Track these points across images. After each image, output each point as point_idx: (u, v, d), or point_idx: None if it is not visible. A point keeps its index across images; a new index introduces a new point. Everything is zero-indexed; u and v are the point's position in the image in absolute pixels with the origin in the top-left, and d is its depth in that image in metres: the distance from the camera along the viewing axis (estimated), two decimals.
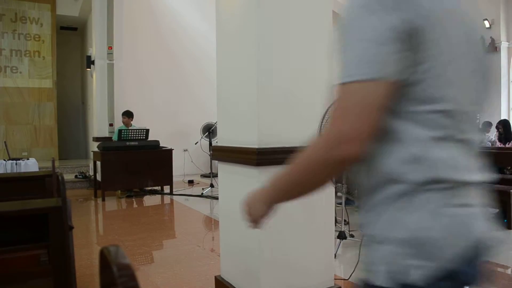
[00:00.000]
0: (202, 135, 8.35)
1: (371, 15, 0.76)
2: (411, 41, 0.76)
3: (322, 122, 2.33)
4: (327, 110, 2.29)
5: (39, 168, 6.27)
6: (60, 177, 2.18)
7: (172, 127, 9.93)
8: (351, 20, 0.79)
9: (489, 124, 8.01)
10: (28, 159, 6.40)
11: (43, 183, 3.07)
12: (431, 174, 0.80)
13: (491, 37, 9.59)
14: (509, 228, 4.76)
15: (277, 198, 1.01)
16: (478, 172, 0.89)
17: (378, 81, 0.76)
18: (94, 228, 5.52)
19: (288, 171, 0.94)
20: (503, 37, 9.59)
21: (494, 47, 9.59)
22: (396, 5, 0.75)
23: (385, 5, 0.75)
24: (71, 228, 2.40)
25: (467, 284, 0.84)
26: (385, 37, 0.75)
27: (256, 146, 2.37)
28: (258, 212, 1.06)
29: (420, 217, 0.80)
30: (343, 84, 0.78)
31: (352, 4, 0.80)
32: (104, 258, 0.70)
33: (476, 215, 0.86)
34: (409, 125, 0.81)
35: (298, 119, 2.51)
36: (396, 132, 0.81)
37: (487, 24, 9.61)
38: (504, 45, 9.60)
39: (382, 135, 0.81)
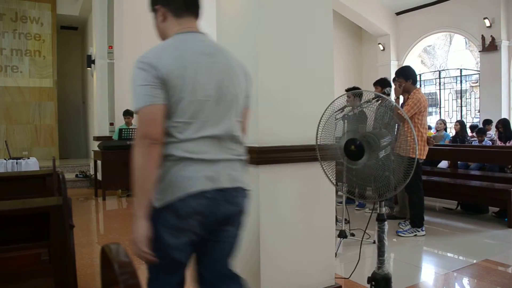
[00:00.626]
0: None
1: (142, 71, 1.44)
2: (164, 85, 1.44)
3: (320, 123, 2.33)
4: (325, 111, 2.29)
5: (40, 167, 6.28)
6: (60, 176, 2.18)
7: None
8: (134, 75, 1.46)
9: (489, 122, 8.00)
10: (28, 158, 6.40)
11: (43, 182, 3.07)
12: (180, 154, 1.47)
13: (491, 36, 9.58)
14: (509, 226, 4.76)
15: (141, 201, 1.45)
16: (218, 153, 1.53)
17: (153, 105, 1.42)
18: (94, 227, 5.52)
19: (133, 179, 1.43)
20: (503, 35, 9.58)
21: (494, 46, 9.58)
22: (151, 68, 1.43)
23: (147, 67, 1.43)
24: (72, 227, 2.40)
25: (184, 214, 1.46)
26: (150, 82, 1.43)
27: (257, 145, 2.37)
28: (142, 226, 1.44)
29: (167, 175, 1.47)
30: (138, 109, 1.44)
31: (135, 66, 1.46)
32: (105, 256, 0.70)
33: (197, 177, 1.47)
34: (175, 128, 1.47)
35: (298, 118, 2.51)
36: (172, 132, 1.47)
37: (487, 22, 9.60)
38: (504, 44, 9.59)
39: (166, 133, 1.47)
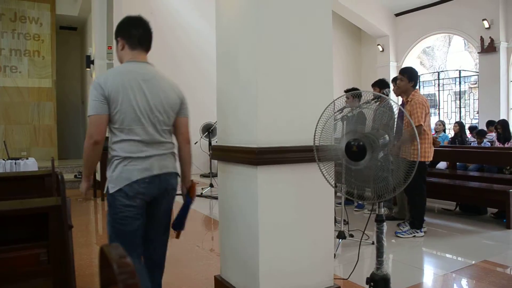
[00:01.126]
0: (201, 135, 8.34)
1: (94, 90, 2.01)
2: (107, 101, 2.01)
3: (318, 124, 2.33)
4: (323, 112, 2.29)
5: (39, 168, 6.27)
6: (59, 177, 2.18)
7: None
8: (90, 91, 2.04)
9: (492, 123, 8.00)
10: (27, 158, 6.40)
11: (42, 183, 3.07)
12: (123, 154, 2.05)
13: (490, 37, 9.60)
14: (508, 227, 4.77)
15: (87, 175, 2.16)
16: (151, 151, 2.11)
17: (99, 115, 2.01)
18: (93, 227, 5.51)
19: (84, 161, 2.09)
20: (502, 37, 9.60)
21: (493, 47, 9.59)
22: (100, 88, 2.00)
23: (98, 87, 2.01)
24: (71, 227, 2.40)
25: (132, 195, 2.05)
26: (99, 98, 2.00)
27: (255, 146, 2.37)
28: (84, 186, 2.17)
29: (116, 170, 2.05)
30: (89, 116, 2.03)
31: (92, 84, 2.05)
32: (104, 256, 0.70)
33: (136, 169, 2.06)
34: (114, 131, 2.07)
35: (296, 119, 2.52)
36: (114, 135, 2.08)
37: (486, 24, 9.62)
38: (503, 45, 9.61)
39: (111, 135, 2.09)
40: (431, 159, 4.48)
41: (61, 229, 1.87)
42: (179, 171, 2.36)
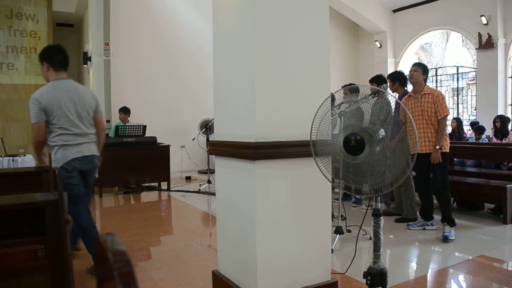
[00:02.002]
0: (199, 131, 8.35)
1: (33, 104, 3.01)
2: (44, 111, 3.02)
3: (314, 119, 2.33)
4: (320, 106, 2.29)
5: (36, 164, 6.24)
6: (56, 171, 2.18)
7: (170, 124, 9.92)
8: (30, 105, 3.02)
9: (481, 130, 8.00)
10: (24, 155, 6.37)
11: (40, 179, 3.06)
12: (61, 143, 3.09)
13: (488, 33, 9.60)
14: (505, 223, 4.79)
15: (39, 155, 3.22)
16: (82, 140, 3.17)
17: (39, 122, 3.03)
18: None
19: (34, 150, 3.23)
20: (500, 33, 9.60)
21: (491, 43, 9.60)
22: (38, 102, 3.00)
23: (35, 102, 3.00)
24: (68, 221, 2.39)
25: (71, 169, 3.10)
26: (37, 110, 3.00)
27: (253, 140, 2.37)
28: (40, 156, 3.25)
29: (58, 153, 3.10)
30: (32, 124, 3.04)
31: (31, 99, 3.04)
32: (100, 246, 0.70)
33: (73, 152, 3.10)
34: (56, 129, 3.08)
35: (294, 114, 2.51)
36: (54, 131, 3.08)
37: (484, 20, 9.62)
38: (501, 41, 9.62)
39: (52, 132, 3.11)
40: (448, 150, 4.43)
41: (58, 223, 1.86)
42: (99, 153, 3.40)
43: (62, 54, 3.18)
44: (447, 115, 4.34)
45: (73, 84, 3.22)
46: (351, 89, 2.50)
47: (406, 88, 5.14)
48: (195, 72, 10.27)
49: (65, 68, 3.19)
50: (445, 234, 4.18)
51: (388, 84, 5.17)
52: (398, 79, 5.09)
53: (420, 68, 4.49)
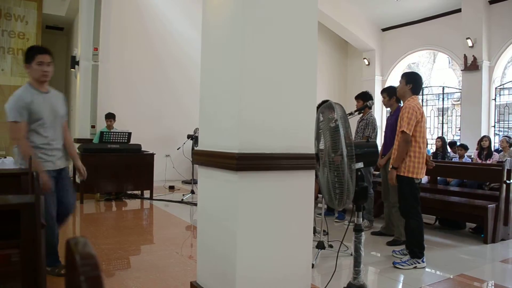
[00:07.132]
0: (186, 140, 8.30)
1: (16, 102, 3.16)
2: (28, 110, 3.16)
3: (317, 129, 2.34)
4: (318, 118, 2.30)
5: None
6: (35, 174, 2.13)
7: (155, 132, 9.86)
8: (12, 101, 3.17)
9: (465, 147, 8.11)
10: (5, 158, 6.27)
11: (19, 181, 2.99)
12: (36, 144, 3.23)
13: (473, 56, 9.78)
14: (485, 242, 4.82)
15: (30, 157, 2.75)
16: (57, 143, 3.39)
17: (19, 122, 3.14)
18: (70, 230, 5.40)
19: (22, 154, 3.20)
20: (484, 56, 9.79)
21: (476, 66, 9.77)
22: (20, 101, 3.16)
23: (17, 99, 3.16)
24: (44, 226, 2.34)
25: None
26: (20, 107, 3.14)
27: (237, 151, 2.36)
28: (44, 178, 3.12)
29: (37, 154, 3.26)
30: (11, 122, 3.15)
31: (9, 101, 3.18)
32: (69, 249, 0.68)
33: (48, 157, 3.31)
34: (33, 130, 3.22)
35: (279, 127, 2.51)
36: (33, 131, 3.23)
37: (469, 43, 9.80)
38: (485, 64, 9.80)
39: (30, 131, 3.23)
40: (422, 176, 3.97)
41: (33, 227, 1.82)
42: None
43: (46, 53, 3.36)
44: (404, 131, 3.77)
45: (50, 90, 3.45)
46: (327, 106, 2.52)
47: (400, 104, 4.94)
48: (184, 81, 10.25)
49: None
50: (395, 261, 3.93)
51: (383, 99, 5.15)
52: (395, 94, 4.71)
53: (403, 78, 4.05)
